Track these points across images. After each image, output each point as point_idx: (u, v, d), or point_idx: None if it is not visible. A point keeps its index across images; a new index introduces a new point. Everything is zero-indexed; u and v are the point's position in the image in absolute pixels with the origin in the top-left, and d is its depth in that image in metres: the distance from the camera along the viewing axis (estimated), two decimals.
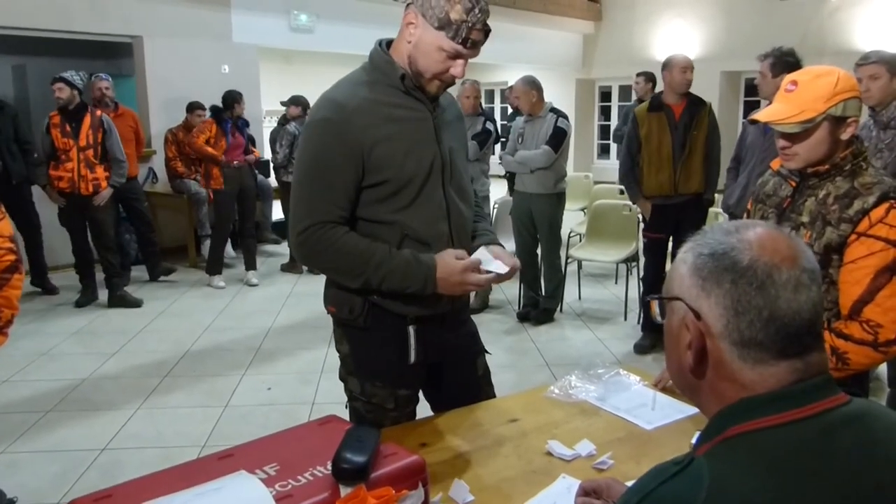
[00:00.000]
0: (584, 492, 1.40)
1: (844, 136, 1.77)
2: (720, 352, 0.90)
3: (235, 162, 6.40)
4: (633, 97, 8.18)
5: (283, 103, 7.48)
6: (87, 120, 5.56)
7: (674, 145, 4.34)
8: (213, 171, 6.40)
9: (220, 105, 6.48)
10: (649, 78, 8.05)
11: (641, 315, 5.06)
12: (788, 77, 1.82)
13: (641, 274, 4.99)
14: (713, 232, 0.93)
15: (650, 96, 7.60)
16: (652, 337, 4.66)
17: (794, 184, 1.90)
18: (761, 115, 1.85)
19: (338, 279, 1.86)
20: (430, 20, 1.70)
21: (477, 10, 1.68)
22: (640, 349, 4.66)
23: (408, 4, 1.75)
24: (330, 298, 1.94)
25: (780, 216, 1.91)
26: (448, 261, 1.79)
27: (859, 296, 1.73)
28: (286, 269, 7.09)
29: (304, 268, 6.92)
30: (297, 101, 7.16)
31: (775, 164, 1.99)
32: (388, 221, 1.81)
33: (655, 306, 1.02)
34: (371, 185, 1.79)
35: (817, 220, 1.81)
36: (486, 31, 1.73)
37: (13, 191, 5.74)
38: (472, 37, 1.70)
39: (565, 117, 5.11)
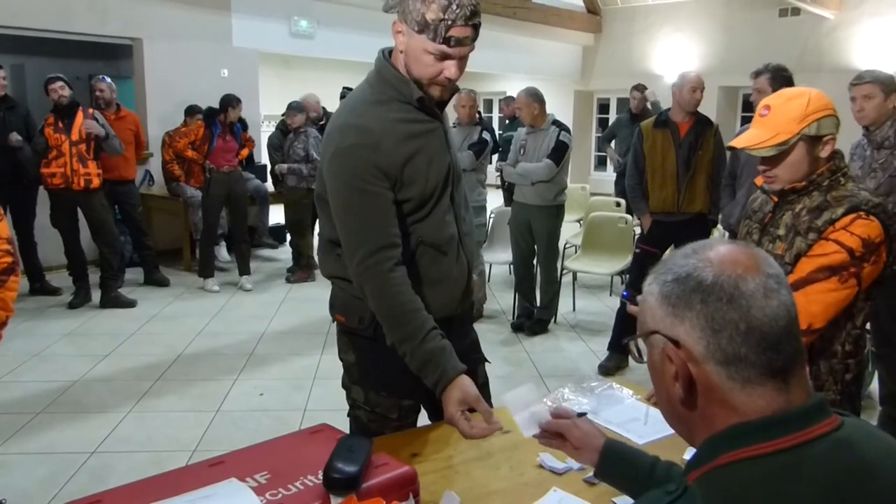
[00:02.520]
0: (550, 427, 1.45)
1: (823, 153, 1.81)
2: (707, 375, 0.88)
3: (225, 167, 6.40)
4: (632, 107, 8.13)
5: (286, 109, 7.44)
6: (80, 116, 5.60)
7: (678, 163, 4.33)
8: (195, 171, 6.63)
9: (216, 108, 6.49)
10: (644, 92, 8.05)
11: (612, 332, 4.74)
12: (762, 102, 1.86)
13: (624, 284, 4.90)
14: (672, 258, 0.94)
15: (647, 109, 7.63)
16: (617, 358, 4.58)
17: (775, 199, 1.95)
18: (738, 141, 1.88)
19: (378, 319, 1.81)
20: (411, 25, 1.67)
21: (455, 7, 1.63)
22: (604, 370, 4.50)
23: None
24: (339, 307, 1.92)
25: (762, 231, 1.96)
26: (462, 397, 1.69)
27: (791, 282, 1.75)
28: (292, 280, 6.92)
29: (316, 274, 6.84)
30: (300, 108, 7.13)
31: (759, 180, 2.02)
32: (405, 232, 1.80)
33: (633, 348, 1.00)
34: (400, 202, 1.77)
35: (790, 232, 1.86)
36: (474, 26, 1.68)
37: (22, 189, 5.76)
38: (453, 34, 1.65)
39: (567, 130, 5.10)
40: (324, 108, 7.62)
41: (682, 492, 0.84)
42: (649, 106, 7.85)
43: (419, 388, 1.95)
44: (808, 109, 1.77)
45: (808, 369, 0.92)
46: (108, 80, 6.43)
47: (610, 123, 8.14)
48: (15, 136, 5.54)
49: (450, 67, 1.71)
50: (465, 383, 1.70)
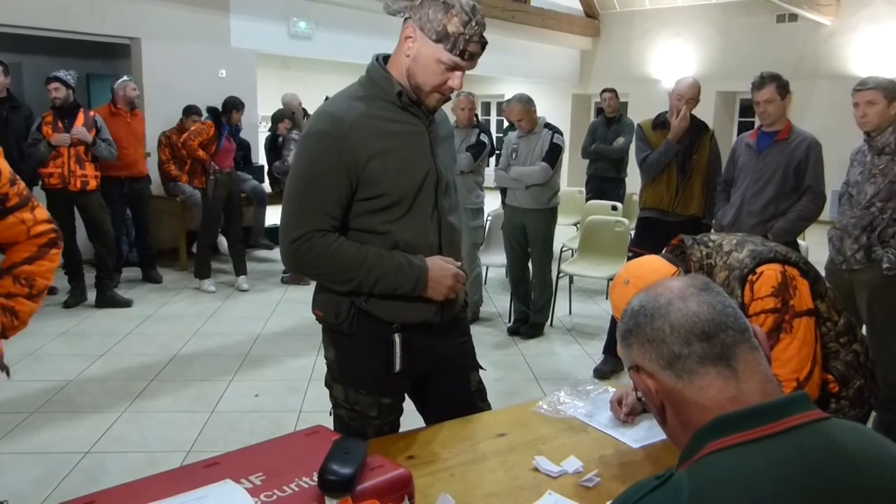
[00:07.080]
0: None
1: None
2: (664, 383, 1.00)
3: (227, 168, 6.41)
4: (605, 108, 8.11)
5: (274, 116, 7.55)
6: (81, 118, 5.58)
7: (674, 165, 4.33)
8: (197, 171, 6.61)
9: (219, 109, 6.49)
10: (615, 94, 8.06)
11: (607, 336, 4.76)
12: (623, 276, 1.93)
13: None
14: None
15: (619, 112, 7.73)
16: (612, 362, 4.55)
17: None
18: None
19: (329, 284, 1.87)
20: (428, 33, 1.72)
21: (473, 23, 1.71)
22: (599, 374, 4.48)
23: (406, 18, 1.77)
24: (318, 303, 1.95)
25: None
26: (440, 263, 1.84)
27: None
28: (289, 280, 6.91)
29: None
30: (283, 116, 7.18)
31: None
32: (380, 232, 1.83)
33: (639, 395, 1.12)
34: (366, 199, 1.80)
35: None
36: (483, 44, 1.76)
37: None
38: (469, 49, 1.73)
39: (560, 133, 5.12)
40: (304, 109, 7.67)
41: (669, 477, 0.89)
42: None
43: (399, 386, 1.96)
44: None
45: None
46: (130, 78, 6.55)
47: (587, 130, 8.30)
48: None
49: (456, 78, 1.78)
50: (438, 258, 1.85)
